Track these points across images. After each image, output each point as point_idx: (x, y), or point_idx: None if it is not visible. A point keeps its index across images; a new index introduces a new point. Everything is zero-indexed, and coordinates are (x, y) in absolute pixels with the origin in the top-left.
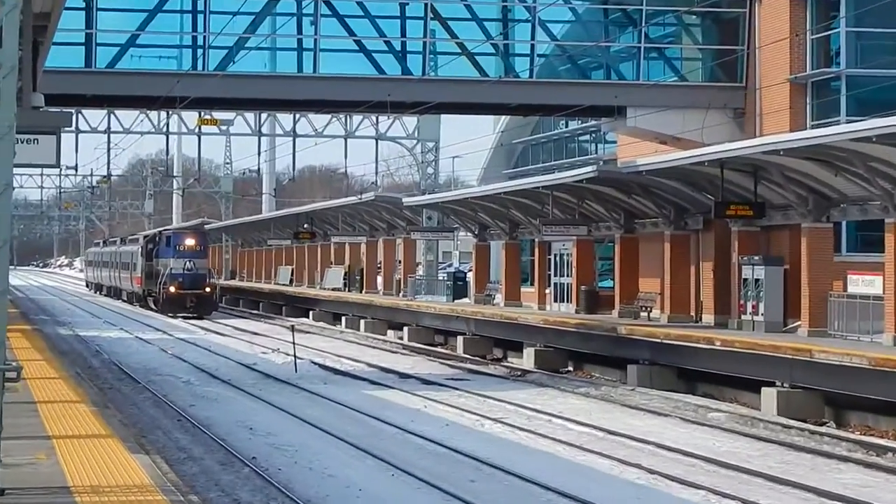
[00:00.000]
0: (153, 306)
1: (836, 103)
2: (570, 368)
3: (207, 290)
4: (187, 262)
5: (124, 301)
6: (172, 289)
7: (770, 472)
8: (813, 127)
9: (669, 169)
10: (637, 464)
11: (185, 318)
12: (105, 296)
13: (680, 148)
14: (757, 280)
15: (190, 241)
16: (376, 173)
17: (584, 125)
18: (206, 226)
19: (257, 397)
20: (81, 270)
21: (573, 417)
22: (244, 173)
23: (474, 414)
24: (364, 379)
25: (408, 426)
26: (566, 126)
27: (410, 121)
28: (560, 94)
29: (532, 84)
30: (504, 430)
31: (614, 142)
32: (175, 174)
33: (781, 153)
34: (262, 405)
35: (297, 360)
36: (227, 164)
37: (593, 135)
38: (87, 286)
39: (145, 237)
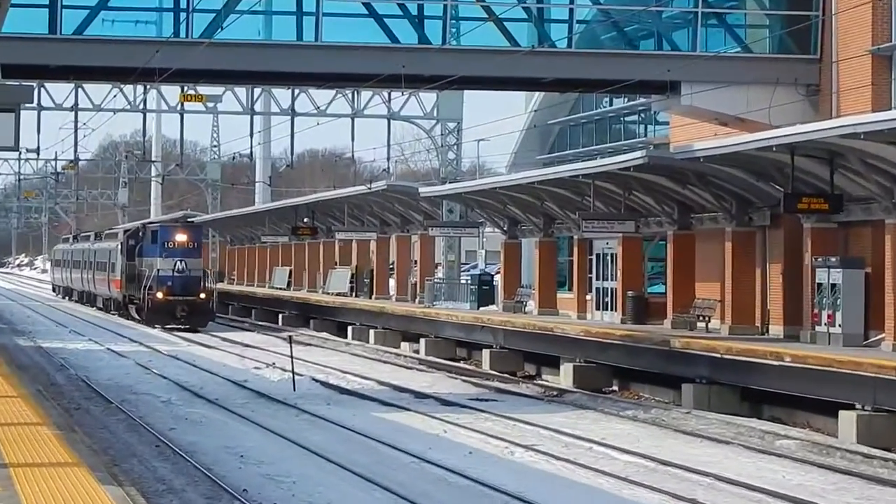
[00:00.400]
0: (136, 316)
1: None
2: (615, 388)
3: (202, 296)
4: (178, 263)
5: (99, 309)
6: (160, 295)
7: None
8: None
9: (731, 155)
10: (692, 499)
11: (173, 330)
12: (75, 301)
13: (743, 130)
14: (833, 285)
15: (181, 237)
16: (388, 159)
17: (631, 104)
18: (189, 219)
19: (249, 420)
20: (45, 271)
21: (618, 445)
22: (234, 158)
23: (502, 440)
24: (374, 399)
25: (425, 454)
26: (610, 105)
27: (428, 97)
28: (603, 67)
29: (570, 55)
30: (537, 459)
31: (666, 123)
32: (154, 159)
33: (862, 136)
34: (254, 429)
35: (296, 377)
36: (215, 147)
37: (642, 115)
38: (54, 290)
39: (126, 232)
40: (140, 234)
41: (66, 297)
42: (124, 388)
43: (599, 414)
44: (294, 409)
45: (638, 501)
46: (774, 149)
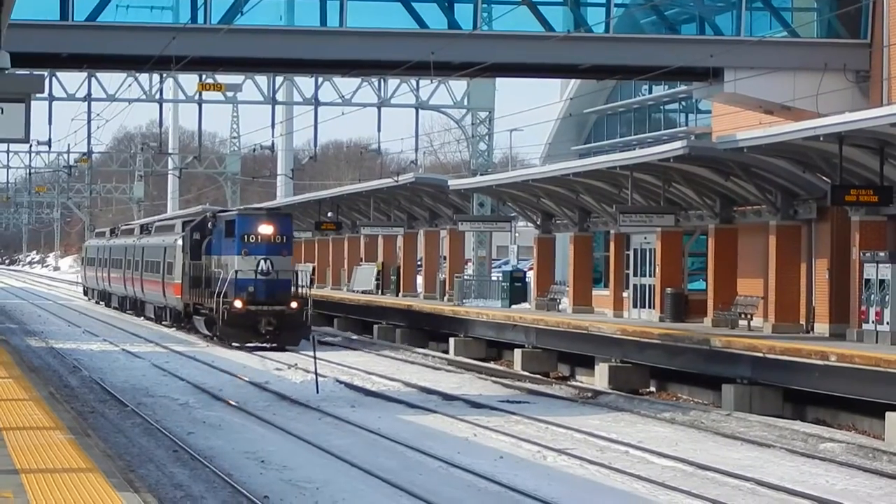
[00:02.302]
0: (203, 330)
1: None
2: (653, 389)
3: (294, 305)
4: (262, 262)
5: (149, 319)
6: (238, 304)
7: None
8: None
9: (776, 145)
10: None
11: (254, 349)
12: (115, 309)
13: (789, 119)
14: (882, 281)
15: (266, 229)
16: (416, 150)
17: (671, 91)
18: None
19: (270, 423)
20: (57, 269)
21: (655, 449)
22: (255, 150)
23: (535, 444)
24: (400, 401)
25: (453, 459)
26: (649, 93)
27: (459, 86)
28: (642, 52)
29: (608, 40)
30: (571, 463)
31: (708, 112)
32: (170, 151)
33: None
34: (275, 433)
35: (319, 379)
36: (234, 138)
37: (683, 103)
38: (86, 294)
39: (188, 222)
40: (208, 225)
41: (102, 303)
42: (140, 390)
43: (636, 416)
44: (317, 411)
45: None
46: (822, 138)
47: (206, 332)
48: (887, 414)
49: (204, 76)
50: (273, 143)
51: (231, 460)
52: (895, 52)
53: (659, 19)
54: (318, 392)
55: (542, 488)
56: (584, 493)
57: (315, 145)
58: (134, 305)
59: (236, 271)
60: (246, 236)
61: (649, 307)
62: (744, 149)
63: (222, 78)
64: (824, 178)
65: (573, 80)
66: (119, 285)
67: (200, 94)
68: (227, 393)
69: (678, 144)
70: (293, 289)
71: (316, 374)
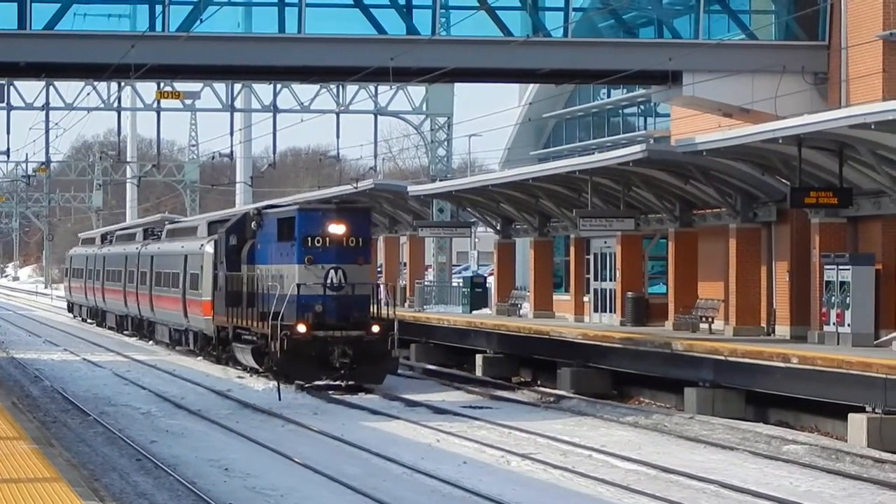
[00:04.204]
0: (251, 362)
1: None
2: (615, 393)
3: (375, 329)
4: (333, 273)
5: (160, 343)
6: (301, 328)
7: None
8: None
9: (735, 147)
10: None
11: (325, 388)
12: (110, 329)
13: (748, 122)
14: (842, 283)
15: (337, 228)
16: (375, 156)
17: (630, 95)
18: (168, 224)
19: (233, 431)
20: (16, 279)
21: (618, 452)
22: (213, 158)
23: (498, 449)
24: (363, 408)
25: (417, 464)
26: (608, 97)
27: (417, 91)
28: (601, 56)
29: (567, 45)
30: (534, 468)
31: (667, 115)
32: (129, 159)
33: (873, 127)
34: (239, 441)
35: (282, 386)
36: (193, 146)
37: (641, 107)
38: (71, 310)
39: (218, 222)
40: (251, 225)
41: (94, 321)
42: (102, 399)
43: (599, 420)
44: (280, 419)
45: None
46: (781, 141)
47: (254, 364)
48: (849, 415)
49: (162, 84)
50: (232, 151)
51: (195, 468)
52: (853, 53)
53: (617, 23)
54: (280, 399)
55: (506, 493)
56: (548, 498)
57: (274, 152)
58: (140, 326)
59: (298, 285)
60: (310, 239)
61: (610, 311)
62: (703, 152)
63: (180, 86)
64: (784, 180)
65: (532, 85)
66: (117, 301)
67: (159, 102)
68: (190, 401)
69: (637, 148)
70: (373, 307)
71: (279, 381)
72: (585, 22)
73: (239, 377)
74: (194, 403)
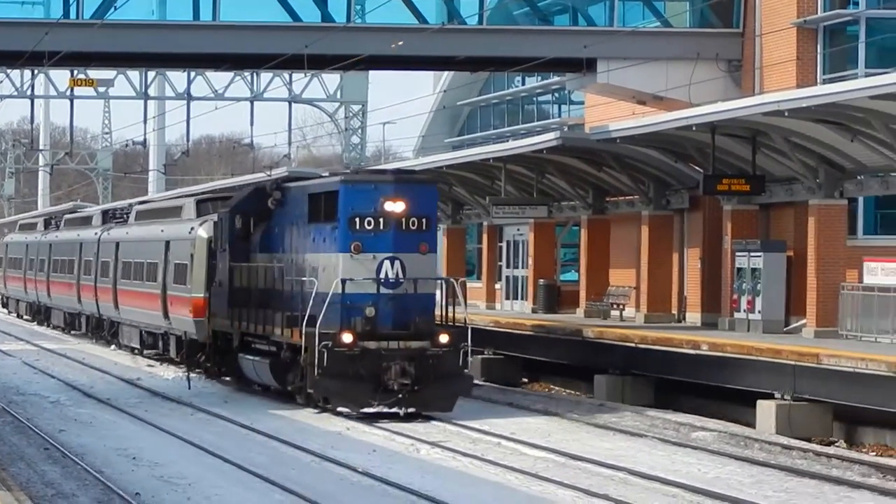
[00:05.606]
0: (270, 381)
1: (853, 52)
2: (526, 380)
3: (444, 339)
4: (388, 264)
5: (129, 349)
6: (347, 337)
7: (767, 503)
8: (825, 82)
9: (649, 135)
10: (604, 494)
11: (378, 417)
12: (60, 330)
13: (662, 109)
14: (754, 270)
15: (395, 206)
16: (289, 144)
17: (544, 83)
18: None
19: (142, 420)
20: None
21: (528, 440)
22: (127, 146)
23: (407, 437)
24: (273, 397)
25: (326, 452)
26: (522, 84)
27: (332, 79)
28: (516, 44)
29: (481, 32)
30: (444, 456)
31: (581, 103)
32: (42, 147)
33: (786, 114)
34: (147, 429)
35: (191, 375)
36: (106, 134)
37: (556, 95)
38: (5, 306)
39: (214, 201)
40: (268, 203)
41: (33, 320)
42: (10, 388)
43: (509, 408)
44: (189, 407)
45: (548, 498)
46: (694, 128)
47: (272, 382)
48: (758, 402)
49: (76, 71)
50: (145, 139)
51: (102, 457)
52: (767, 40)
53: (532, 11)
54: (189, 388)
55: (415, 481)
56: (457, 486)
57: (188, 140)
58: (98, 327)
59: (342, 281)
60: (358, 219)
61: (522, 299)
62: (617, 139)
63: (94, 73)
64: (697, 167)
65: (446, 73)
66: (67, 297)
67: (72, 90)
68: (99, 390)
69: (551, 136)
70: (440, 310)
71: (188, 370)
72: (501, 9)
73: (149, 365)
74: (103, 392)
